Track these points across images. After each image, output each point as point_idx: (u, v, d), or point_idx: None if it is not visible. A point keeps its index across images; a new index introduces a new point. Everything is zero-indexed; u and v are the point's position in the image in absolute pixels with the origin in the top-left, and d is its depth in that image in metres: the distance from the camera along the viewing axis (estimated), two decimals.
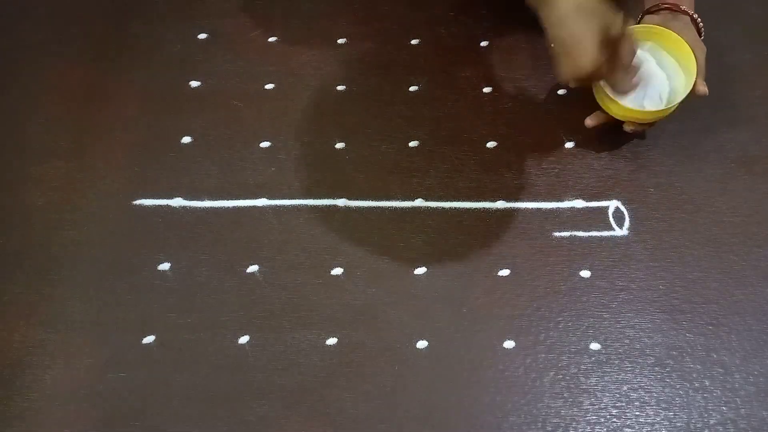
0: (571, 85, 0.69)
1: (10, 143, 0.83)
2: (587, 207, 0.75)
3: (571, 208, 0.75)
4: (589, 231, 0.74)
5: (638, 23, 0.76)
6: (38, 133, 0.84)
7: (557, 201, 0.76)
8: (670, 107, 0.72)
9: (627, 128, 0.74)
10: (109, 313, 0.73)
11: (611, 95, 0.71)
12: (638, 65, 0.72)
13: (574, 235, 0.74)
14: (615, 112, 0.72)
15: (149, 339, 0.71)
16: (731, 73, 0.81)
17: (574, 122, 0.79)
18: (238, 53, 0.87)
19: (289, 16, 0.89)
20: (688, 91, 0.71)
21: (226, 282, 0.74)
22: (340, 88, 0.84)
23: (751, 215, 0.74)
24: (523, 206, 0.76)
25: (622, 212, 0.74)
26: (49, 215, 0.78)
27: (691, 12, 0.74)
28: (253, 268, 0.74)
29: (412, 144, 0.80)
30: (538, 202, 0.76)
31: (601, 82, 0.71)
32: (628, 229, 0.74)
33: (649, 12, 0.75)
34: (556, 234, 0.74)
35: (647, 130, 0.78)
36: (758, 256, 0.71)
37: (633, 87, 0.72)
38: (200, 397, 0.68)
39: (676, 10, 0.73)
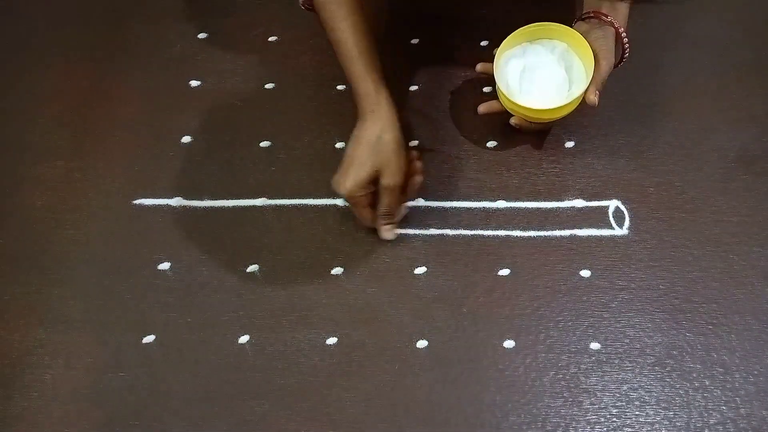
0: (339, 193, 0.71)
1: (10, 143, 0.83)
2: (587, 207, 0.75)
3: (571, 207, 0.75)
4: (589, 230, 0.74)
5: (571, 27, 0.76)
6: (38, 133, 0.84)
7: (557, 201, 0.76)
8: (550, 108, 0.71)
9: (511, 121, 0.75)
10: (109, 313, 0.73)
11: (503, 89, 0.72)
12: (400, 212, 0.74)
13: (575, 235, 0.74)
14: (504, 102, 0.73)
15: (149, 339, 0.71)
16: (731, 73, 0.81)
17: (574, 122, 0.79)
18: (238, 53, 0.87)
19: (289, 16, 0.89)
20: (575, 96, 0.71)
21: (226, 282, 0.74)
22: (339, 88, 0.84)
23: (751, 215, 0.74)
24: (523, 206, 0.76)
25: (622, 212, 0.74)
26: (49, 215, 0.79)
27: (617, 25, 0.73)
28: (253, 268, 0.74)
29: (412, 144, 0.80)
30: (538, 201, 0.76)
31: (497, 75, 0.72)
32: (628, 228, 0.74)
33: (581, 19, 0.75)
34: (557, 234, 0.74)
35: (533, 129, 0.77)
36: (758, 256, 0.71)
37: (382, 233, 0.74)
38: (200, 397, 0.68)
39: (604, 21, 0.73)
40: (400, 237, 0.75)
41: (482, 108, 0.77)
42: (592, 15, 0.74)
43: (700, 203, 0.74)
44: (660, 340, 0.68)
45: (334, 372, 0.69)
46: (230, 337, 0.71)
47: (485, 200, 0.76)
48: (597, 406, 0.66)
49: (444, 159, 0.79)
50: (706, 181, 0.76)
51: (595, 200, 0.75)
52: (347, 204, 0.72)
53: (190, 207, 0.78)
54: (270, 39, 0.88)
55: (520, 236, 0.74)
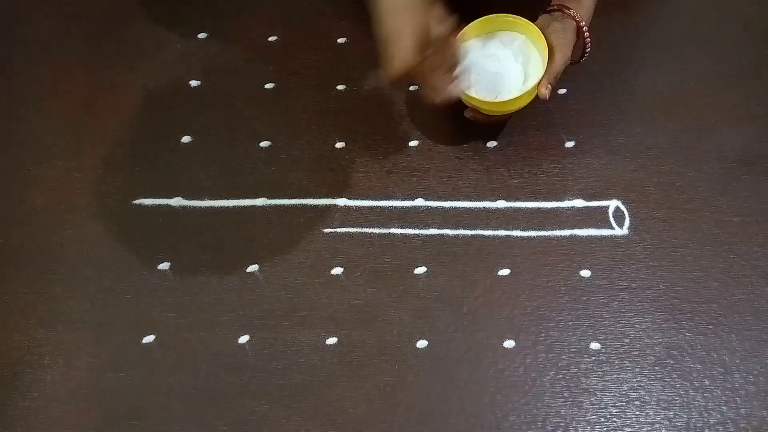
0: (390, 84, 0.66)
1: (10, 143, 0.83)
2: (587, 206, 0.75)
3: (571, 207, 0.75)
4: (589, 230, 0.74)
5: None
6: (38, 133, 0.84)
7: (557, 201, 0.76)
8: (501, 101, 0.72)
9: (465, 113, 0.75)
10: (109, 313, 0.73)
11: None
12: (463, 70, 0.69)
13: (575, 235, 0.74)
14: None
15: (149, 339, 0.71)
16: (731, 73, 0.81)
17: (574, 122, 0.79)
18: (238, 53, 0.87)
19: (289, 16, 0.89)
20: (526, 90, 0.71)
21: (226, 282, 0.74)
22: (340, 87, 0.84)
23: (751, 215, 0.73)
24: (523, 206, 0.76)
25: (623, 212, 0.74)
26: (49, 215, 0.79)
27: (578, 19, 0.73)
28: (253, 268, 0.74)
29: (412, 143, 0.80)
30: (538, 201, 0.76)
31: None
32: (629, 228, 0.74)
33: (546, 11, 0.75)
34: (557, 234, 0.74)
35: (489, 122, 0.77)
36: (758, 255, 0.71)
37: (451, 92, 0.68)
38: (200, 397, 0.68)
39: (566, 14, 0.73)
40: (400, 237, 0.75)
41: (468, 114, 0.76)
42: (556, 8, 0.74)
43: (700, 203, 0.74)
44: (660, 340, 0.68)
45: (334, 372, 0.69)
46: (230, 337, 0.71)
47: (485, 200, 0.76)
48: (597, 406, 0.66)
49: (444, 159, 0.79)
50: (706, 181, 0.76)
51: (595, 200, 0.75)
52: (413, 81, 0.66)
53: (190, 207, 0.78)
54: (270, 39, 0.88)
55: (520, 236, 0.74)
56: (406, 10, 0.63)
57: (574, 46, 0.75)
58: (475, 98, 0.72)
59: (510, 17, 0.75)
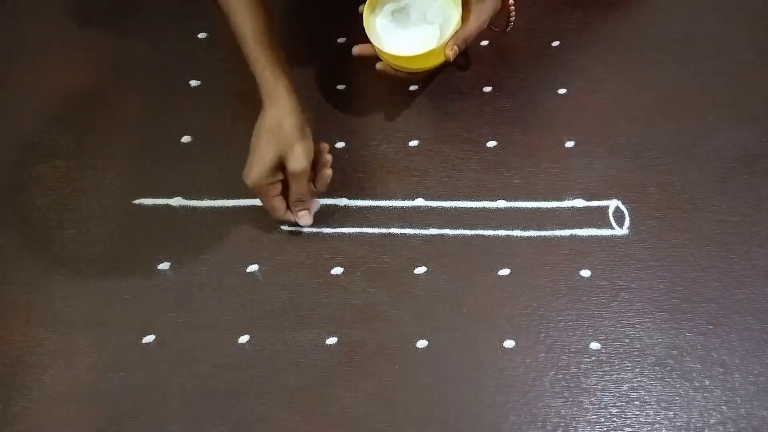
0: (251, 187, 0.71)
1: (10, 143, 0.83)
2: (587, 206, 0.75)
3: (572, 207, 0.75)
4: (589, 230, 0.74)
5: None
6: (38, 133, 0.84)
7: (557, 200, 0.76)
8: (406, 56, 0.72)
9: (377, 66, 0.76)
10: (109, 313, 0.73)
11: (370, 34, 0.73)
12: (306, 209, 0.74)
13: (575, 235, 0.74)
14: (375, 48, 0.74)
15: (149, 339, 0.71)
16: (731, 73, 0.81)
17: (574, 122, 0.79)
18: (237, 53, 0.87)
19: (289, 16, 0.89)
20: (432, 48, 0.71)
21: (226, 282, 0.74)
22: (340, 87, 0.84)
23: (751, 215, 0.73)
24: (523, 206, 0.76)
25: (623, 212, 0.74)
26: (49, 215, 0.79)
27: None
28: (253, 268, 0.74)
29: (412, 143, 0.80)
30: (538, 201, 0.76)
31: (366, 19, 0.73)
32: (629, 228, 0.74)
33: None
34: (557, 234, 0.74)
35: (398, 76, 0.76)
36: (758, 255, 0.71)
37: (302, 217, 0.74)
38: (200, 396, 0.68)
39: None
40: (400, 237, 0.75)
41: (356, 49, 0.77)
42: None
43: (700, 203, 0.74)
44: (660, 340, 0.68)
45: (334, 372, 0.69)
46: (230, 337, 0.71)
47: (485, 200, 0.76)
48: (597, 406, 0.66)
49: (444, 159, 0.79)
50: (706, 181, 0.76)
51: (595, 200, 0.75)
52: (257, 198, 0.72)
53: (190, 207, 0.78)
54: None
55: (520, 236, 0.74)
56: (275, 134, 0.69)
57: (498, 14, 0.75)
58: (382, 51, 0.73)
59: None
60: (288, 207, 0.74)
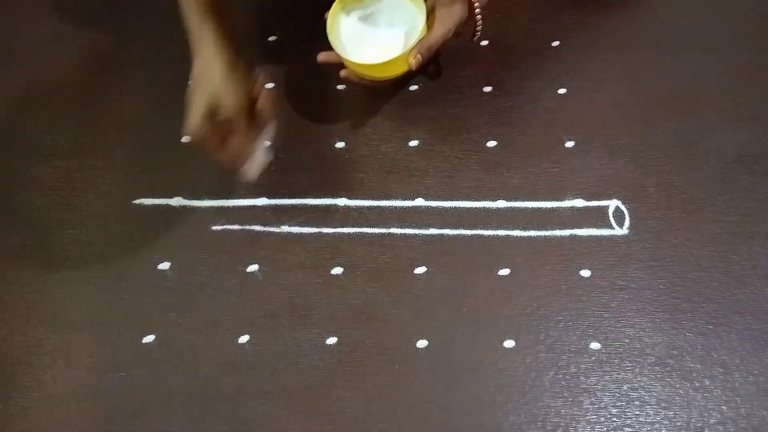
0: (193, 139, 0.69)
1: (10, 143, 0.83)
2: (587, 206, 0.75)
3: (572, 207, 0.75)
4: (589, 230, 0.74)
5: None
6: (38, 133, 0.84)
7: (557, 200, 0.76)
8: (368, 64, 0.72)
9: (341, 73, 0.75)
10: (109, 313, 0.73)
11: (333, 42, 0.73)
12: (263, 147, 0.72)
13: (575, 235, 0.74)
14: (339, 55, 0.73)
15: (149, 338, 0.71)
16: (731, 73, 0.81)
17: (574, 122, 0.79)
18: (237, 53, 0.87)
19: (289, 17, 0.89)
20: (394, 56, 0.71)
21: (226, 282, 0.74)
22: (340, 87, 0.84)
23: (752, 215, 0.73)
24: (523, 206, 0.76)
25: (623, 211, 0.74)
26: (49, 215, 0.79)
27: None
28: (253, 268, 0.74)
29: (412, 143, 0.80)
30: (538, 201, 0.76)
31: (329, 26, 0.73)
32: (629, 228, 0.74)
33: None
34: (557, 233, 0.74)
35: (363, 84, 0.76)
36: (758, 255, 0.71)
37: (244, 161, 0.71)
38: (200, 396, 0.68)
39: None
40: (400, 237, 0.75)
41: (321, 56, 0.76)
42: None
43: (700, 203, 0.74)
44: (660, 340, 0.68)
45: (334, 372, 0.69)
46: (230, 337, 0.71)
47: (485, 200, 0.76)
48: (597, 406, 0.66)
49: (444, 159, 0.79)
50: (706, 181, 0.76)
51: (595, 200, 0.75)
52: (204, 151, 0.69)
53: (190, 207, 0.78)
54: (270, 39, 0.88)
55: (520, 236, 0.74)
56: (205, 80, 0.67)
57: (465, 23, 0.75)
58: (347, 59, 0.72)
59: None
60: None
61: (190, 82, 0.69)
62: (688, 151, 0.77)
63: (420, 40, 0.72)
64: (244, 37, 0.88)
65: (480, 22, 0.75)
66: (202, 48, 0.69)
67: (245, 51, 0.87)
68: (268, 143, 0.73)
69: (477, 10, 0.74)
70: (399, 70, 0.73)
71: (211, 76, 0.68)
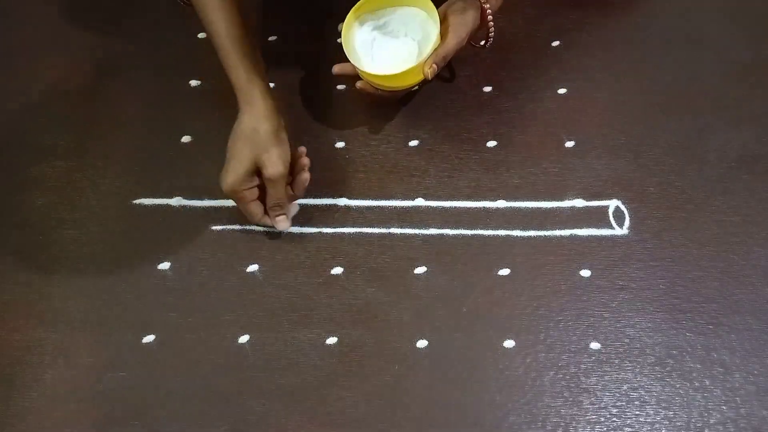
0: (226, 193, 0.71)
1: (10, 143, 0.83)
2: (587, 206, 0.75)
3: (572, 207, 0.75)
4: (589, 230, 0.74)
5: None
6: (38, 133, 0.84)
7: (557, 200, 0.76)
8: (385, 75, 0.72)
9: (357, 84, 0.75)
10: (109, 312, 0.73)
11: (349, 53, 0.73)
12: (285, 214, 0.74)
13: (575, 235, 0.74)
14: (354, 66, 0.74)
15: (149, 338, 0.71)
16: (732, 73, 0.81)
17: (574, 122, 0.79)
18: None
19: (289, 16, 0.89)
20: (410, 66, 0.71)
21: (226, 282, 0.74)
22: (340, 87, 0.84)
23: (752, 215, 0.74)
24: (523, 206, 0.76)
25: (623, 211, 0.74)
26: (49, 215, 0.79)
27: (483, 1, 0.73)
28: (253, 268, 0.74)
29: (412, 143, 0.80)
30: (538, 201, 0.76)
31: (344, 37, 0.74)
32: (629, 228, 0.74)
33: None
34: (557, 233, 0.74)
35: (380, 95, 0.77)
36: (758, 255, 0.71)
37: (280, 222, 0.74)
38: (200, 396, 0.68)
39: None
40: (400, 237, 0.75)
41: (336, 68, 0.77)
42: None
43: (700, 203, 0.74)
44: (660, 340, 0.68)
45: (334, 372, 0.69)
46: (230, 337, 0.71)
47: (485, 200, 0.76)
48: (597, 406, 0.66)
49: (444, 159, 0.79)
50: (706, 181, 0.76)
51: (595, 200, 0.75)
52: (234, 202, 0.72)
53: (190, 207, 0.78)
54: (270, 39, 0.88)
55: (520, 236, 0.74)
56: (253, 138, 0.69)
57: (477, 30, 0.75)
58: (361, 70, 0.73)
59: None
60: (266, 212, 0.73)
61: (234, 133, 0.70)
62: (688, 151, 0.77)
63: (435, 50, 0.72)
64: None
65: (492, 28, 0.74)
66: (254, 105, 0.70)
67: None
68: (297, 209, 0.76)
69: (489, 17, 0.73)
70: (414, 79, 0.74)
71: (262, 136, 0.69)
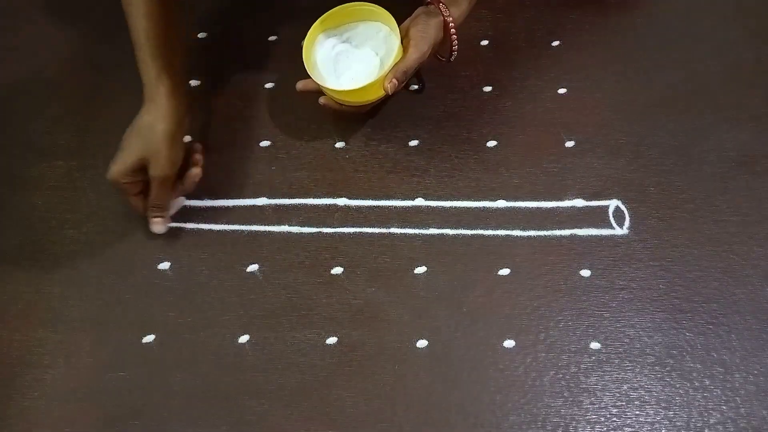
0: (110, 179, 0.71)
1: (10, 143, 0.83)
2: (587, 206, 0.75)
3: (572, 207, 0.75)
4: (589, 230, 0.74)
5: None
6: (38, 133, 0.84)
7: (557, 200, 0.76)
8: (345, 90, 0.73)
9: (320, 100, 0.76)
10: (109, 312, 0.73)
11: (310, 69, 0.74)
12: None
13: (575, 234, 0.74)
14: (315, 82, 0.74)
15: (149, 338, 0.71)
16: (732, 73, 0.81)
17: (574, 122, 0.79)
18: (238, 53, 0.87)
19: (289, 16, 0.89)
20: (369, 81, 0.71)
21: (226, 282, 0.74)
22: (413, 87, 0.84)
23: (752, 214, 0.74)
24: (523, 205, 0.76)
25: (623, 211, 0.74)
26: (49, 215, 0.79)
27: (446, 14, 0.73)
28: (253, 268, 0.74)
29: (412, 143, 0.80)
30: (538, 201, 0.76)
31: (305, 52, 0.74)
32: (629, 228, 0.74)
33: (425, 3, 0.75)
34: (557, 233, 0.74)
35: (344, 110, 0.77)
36: (758, 255, 0.71)
37: (155, 224, 0.74)
38: (200, 396, 0.68)
39: (435, 9, 0.73)
40: (400, 237, 0.75)
41: (299, 85, 0.77)
42: (431, 1, 0.74)
43: (700, 203, 0.74)
44: (660, 339, 0.68)
45: (334, 372, 0.69)
46: (230, 337, 0.71)
47: (485, 200, 0.76)
48: (597, 406, 0.66)
49: (444, 159, 0.79)
50: (706, 181, 0.76)
51: (595, 200, 0.75)
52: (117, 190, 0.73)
53: (190, 207, 0.78)
54: (270, 39, 0.88)
55: (520, 236, 0.74)
56: (141, 136, 0.70)
57: (442, 44, 0.75)
58: (323, 86, 0.73)
59: (371, 7, 0.75)
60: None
61: (132, 125, 0.71)
62: (688, 151, 0.77)
63: (395, 64, 0.72)
64: (244, 38, 0.88)
65: (456, 42, 0.75)
66: (156, 103, 0.71)
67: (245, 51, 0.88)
68: (183, 203, 0.77)
69: (453, 31, 0.74)
70: (376, 94, 0.74)
71: (156, 134, 0.70)
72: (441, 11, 0.73)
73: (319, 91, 0.75)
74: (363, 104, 0.76)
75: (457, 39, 0.75)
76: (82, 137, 0.83)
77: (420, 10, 0.75)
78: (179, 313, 0.72)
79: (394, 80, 0.71)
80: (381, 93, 0.73)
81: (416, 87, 0.82)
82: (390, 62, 0.72)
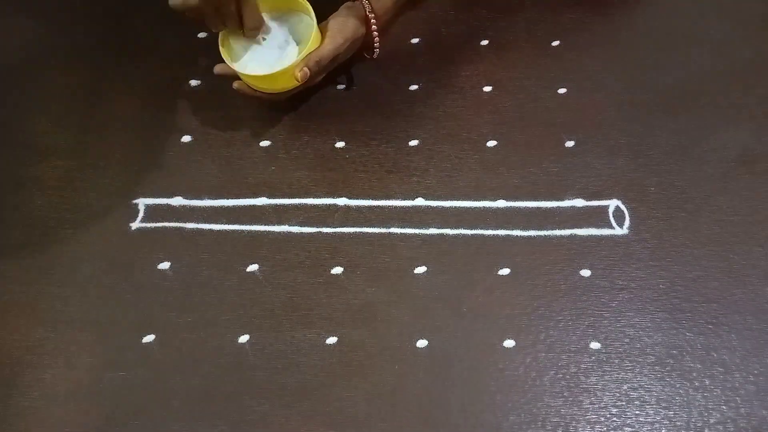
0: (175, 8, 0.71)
1: (10, 143, 0.83)
2: (587, 206, 0.75)
3: (572, 207, 0.75)
4: (589, 230, 0.74)
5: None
6: (38, 133, 0.84)
7: (557, 200, 0.76)
8: (256, 75, 0.73)
9: (234, 84, 0.76)
10: (109, 312, 0.73)
11: (223, 53, 0.75)
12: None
13: (575, 234, 0.74)
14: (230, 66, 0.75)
15: (149, 338, 0.71)
16: (731, 72, 0.81)
17: (574, 122, 0.79)
18: None
19: None
20: (281, 68, 0.72)
21: (226, 281, 0.74)
22: (340, 87, 0.84)
23: (752, 214, 0.74)
24: (523, 205, 0.76)
25: (623, 211, 0.74)
26: (49, 215, 0.79)
27: (368, 10, 0.74)
28: (253, 268, 0.74)
29: (412, 143, 0.80)
30: (538, 201, 0.76)
31: (221, 39, 0.75)
32: (629, 228, 0.74)
33: None
34: (557, 233, 0.74)
35: (259, 96, 0.78)
36: (758, 255, 0.71)
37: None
38: (200, 396, 0.68)
39: (358, 4, 0.74)
40: (400, 237, 0.75)
41: (217, 68, 0.77)
42: None
43: (700, 203, 0.74)
44: (660, 339, 0.68)
45: (334, 372, 0.69)
46: (230, 337, 0.71)
47: (485, 200, 0.76)
48: (597, 406, 0.66)
49: (444, 159, 0.79)
50: (706, 181, 0.76)
51: (595, 200, 0.75)
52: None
53: (190, 207, 0.78)
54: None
55: (520, 236, 0.74)
56: None
57: (366, 39, 0.76)
58: (237, 71, 0.74)
59: None
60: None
61: None
62: (688, 151, 0.77)
63: (308, 54, 0.73)
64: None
65: (377, 39, 0.76)
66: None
67: None
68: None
69: (374, 27, 0.75)
70: (289, 83, 0.75)
71: None
72: (364, 6, 0.74)
73: (236, 76, 0.76)
74: (278, 92, 0.77)
75: (378, 35, 0.76)
76: (82, 137, 0.83)
77: (345, 5, 0.76)
78: (179, 313, 0.72)
79: (306, 69, 0.72)
80: (293, 82, 0.74)
81: (343, 86, 0.83)
82: (304, 52, 0.73)
